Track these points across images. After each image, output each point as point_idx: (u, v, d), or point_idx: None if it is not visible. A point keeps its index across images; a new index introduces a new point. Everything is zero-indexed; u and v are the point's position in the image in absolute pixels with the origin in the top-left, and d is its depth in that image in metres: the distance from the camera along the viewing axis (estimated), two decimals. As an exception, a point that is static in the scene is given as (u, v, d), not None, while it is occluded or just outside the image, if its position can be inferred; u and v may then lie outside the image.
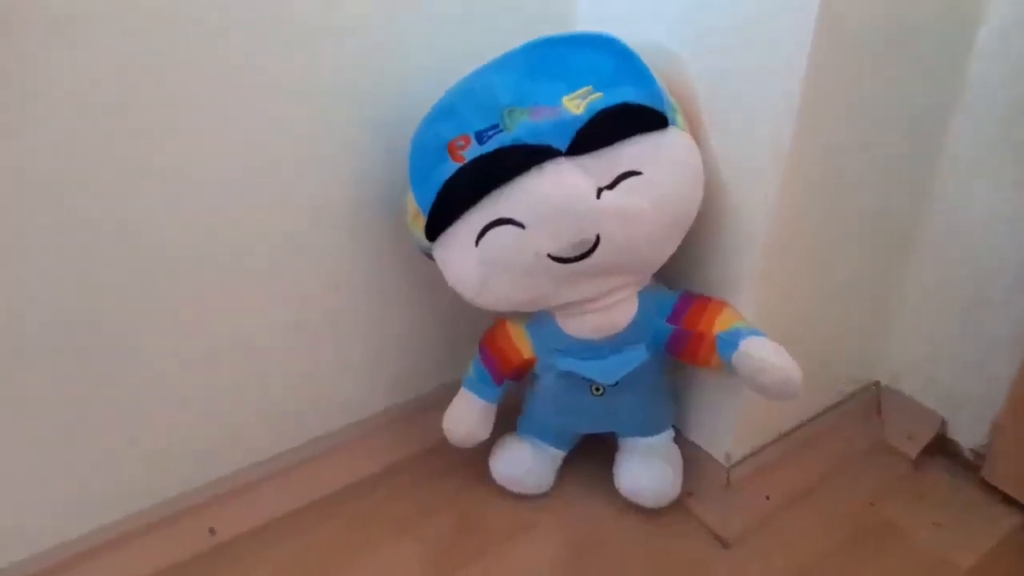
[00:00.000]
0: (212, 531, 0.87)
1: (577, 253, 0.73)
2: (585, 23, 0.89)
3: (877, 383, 1.05)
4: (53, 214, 0.67)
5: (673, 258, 0.78)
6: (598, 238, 0.72)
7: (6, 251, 0.66)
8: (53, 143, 0.64)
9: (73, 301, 0.71)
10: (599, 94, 0.72)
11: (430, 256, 0.79)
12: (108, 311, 0.73)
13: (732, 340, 0.77)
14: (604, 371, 0.82)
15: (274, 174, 0.78)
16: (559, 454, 0.93)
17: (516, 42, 0.78)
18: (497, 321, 0.88)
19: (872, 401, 1.04)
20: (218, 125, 0.72)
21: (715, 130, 0.77)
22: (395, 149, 0.80)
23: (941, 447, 1.00)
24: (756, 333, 0.77)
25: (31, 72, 0.61)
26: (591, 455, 0.96)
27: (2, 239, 0.66)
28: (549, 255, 0.73)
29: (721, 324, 0.79)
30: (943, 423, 0.99)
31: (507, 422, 0.93)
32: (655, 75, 0.73)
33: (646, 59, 0.74)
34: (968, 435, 0.97)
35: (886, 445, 1.01)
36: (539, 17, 0.87)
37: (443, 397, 0.92)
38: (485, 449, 0.94)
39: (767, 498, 0.92)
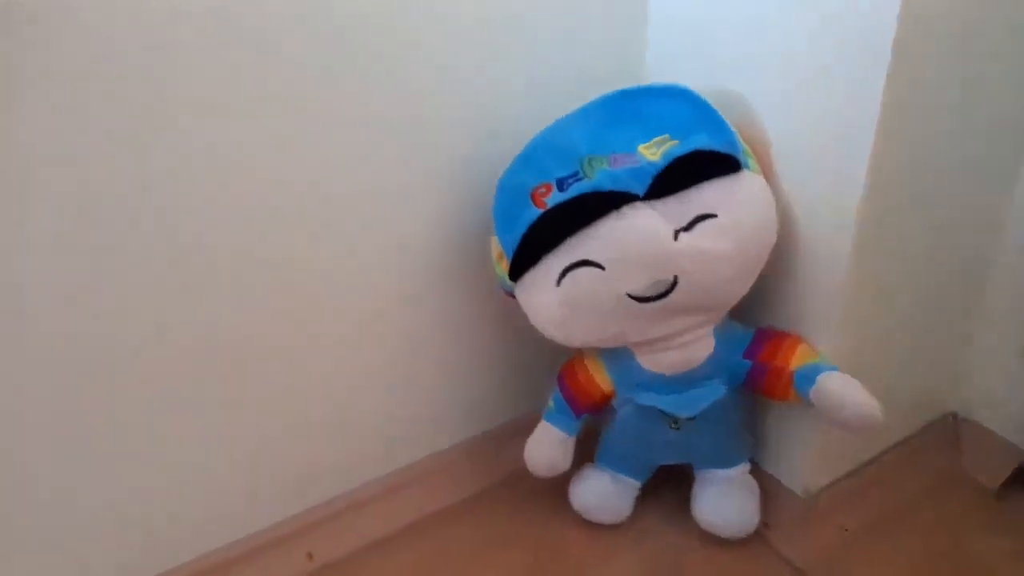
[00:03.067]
0: (310, 556, 0.92)
1: (655, 293, 0.76)
2: (654, 75, 0.93)
3: (954, 414, 1.04)
4: (174, 246, 0.73)
5: (748, 295, 0.81)
6: (676, 278, 0.76)
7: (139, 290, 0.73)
8: (166, 186, 0.71)
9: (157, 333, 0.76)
10: (674, 141, 0.76)
11: (512, 295, 0.84)
12: (200, 346, 0.79)
13: (809, 376, 0.79)
14: (682, 405, 0.84)
15: (360, 204, 0.82)
16: (636, 484, 0.96)
17: (591, 94, 0.83)
18: (575, 356, 0.91)
19: (950, 432, 1.04)
20: (309, 153, 0.77)
21: (787, 171, 0.80)
22: (479, 185, 0.86)
23: (1022, 479, 0.99)
24: (832, 369, 0.79)
25: (147, 127, 0.68)
26: (667, 484, 0.98)
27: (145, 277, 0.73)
28: (628, 295, 0.77)
29: (797, 360, 0.81)
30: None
31: (584, 450, 0.96)
32: (727, 121, 0.77)
33: (717, 105, 0.78)
34: (1050, 467, 0.96)
35: (965, 477, 1.01)
36: (613, 72, 0.91)
37: (523, 426, 0.96)
38: (562, 478, 0.97)
39: (845, 530, 0.93)
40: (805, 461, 0.91)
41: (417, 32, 0.78)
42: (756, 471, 0.94)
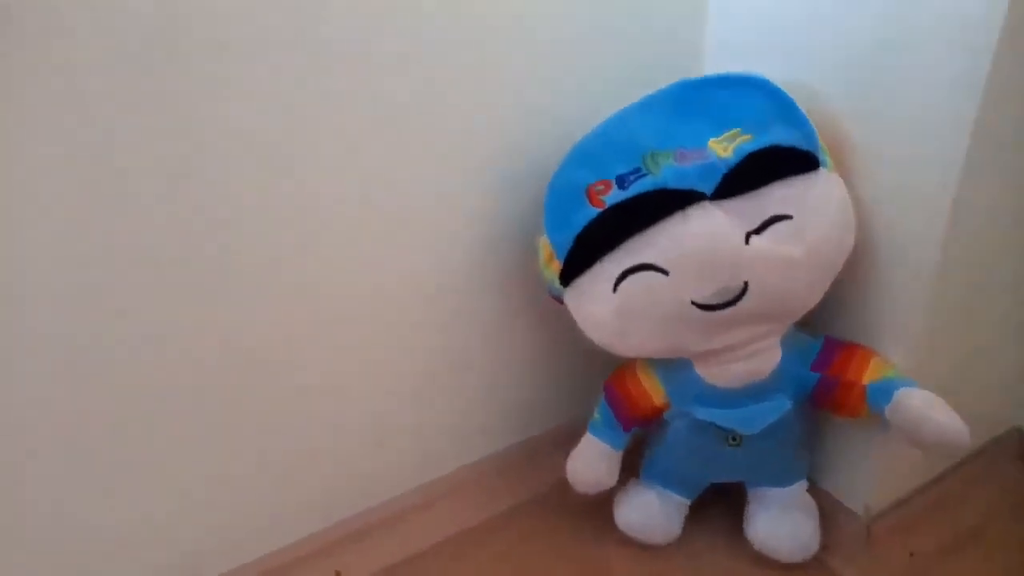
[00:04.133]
0: (338, 574, 0.86)
1: (723, 300, 0.71)
2: (714, 67, 0.87)
3: (1018, 429, 0.99)
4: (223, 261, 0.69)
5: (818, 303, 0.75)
6: (745, 285, 0.70)
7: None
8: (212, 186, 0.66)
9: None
10: (748, 136, 0.70)
11: (561, 300, 0.78)
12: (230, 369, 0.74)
13: (885, 391, 0.73)
14: (745, 421, 0.78)
15: (403, 209, 0.77)
16: (685, 502, 0.90)
17: (647, 87, 0.76)
18: (626, 365, 0.85)
19: (1015, 449, 0.98)
20: (347, 156, 0.72)
21: (867, 171, 0.73)
22: (526, 182, 0.80)
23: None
24: (910, 383, 0.73)
25: (198, 124, 0.63)
26: (716, 502, 0.92)
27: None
28: (693, 302, 0.71)
29: (872, 373, 0.75)
30: (1095, 474, 0.93)
31: (627, 462, 0.89)
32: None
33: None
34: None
35: (1034, 495, 0.95)
36: (670, 63, 0.85)
37: (561, 436, 0.90)
38: (605, 492, 0.90)
39: (911, 554, 0.87)
40: (865, 479, 0.86)
41: (466, 23, 0.72)
42: (813, 489, 0.88)
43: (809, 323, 0.79)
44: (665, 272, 0.70)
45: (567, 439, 0.89)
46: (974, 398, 0.90)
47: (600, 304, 0.73)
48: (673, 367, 0.80)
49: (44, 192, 0.59)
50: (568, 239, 0.73)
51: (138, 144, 0.61)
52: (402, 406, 0.88)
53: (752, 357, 0.76)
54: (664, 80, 0.77)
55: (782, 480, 0.86)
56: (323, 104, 0.68)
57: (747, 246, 0.69)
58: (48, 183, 0.59)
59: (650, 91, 0.77)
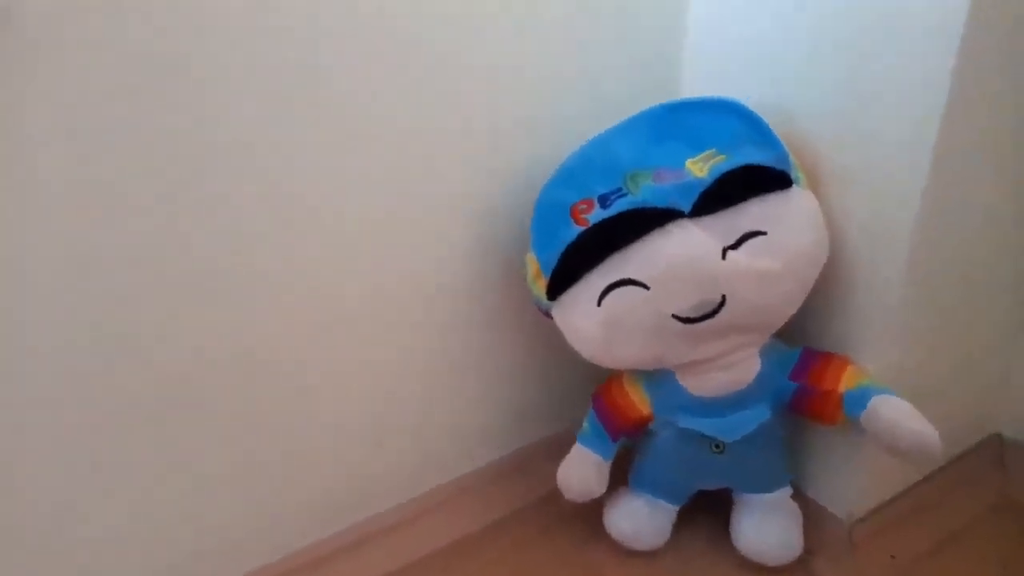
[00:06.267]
0: (334, 585, 0.89)
1: (702, 313, 0.74)
2: (690, 90, 0.90)
3: (999, 435, 1.01)
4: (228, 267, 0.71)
5: (794, 315, 0.78)
6: (723, 298, 0.73)
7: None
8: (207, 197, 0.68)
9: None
10: (722, 156, 0.73)
11: (548, 314, 0.81)
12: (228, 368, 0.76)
13: (860, 399, 0.76)
14: (726, 429, 0.81)
15: (403, 210, 0.79)
16: (673, 509, 0.92)
17: (627, 110, 0.80)
18: (612, 376, 0.88)
19: (995, 455, 1.00)
20: (348, 158, 0.74)
21: (838, 187, 0.76)
22: (516, 200, 0.84)
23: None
24: (886, 391, 0.76)
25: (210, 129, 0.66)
26: (703, 509, 0.94)
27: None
28: (674, 315, 0.74)
29: (847, 381, 0.78)
30: (1073, 479, 0.95)
31: (616, 471, 0.92)
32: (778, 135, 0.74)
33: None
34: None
35: (1013, 501, 0.97)
36: (649, 87, 0.89)
37: (553, 446, 0.92)
38: (595, 501, 0.93)
39: (892, 557, 0.89)
40: (848, 484, 0.88)
41: (454, 43, 0.75)
42: (797, 495, 0.91)
43: (788, 334, 0.82)
44: (646, 287, 0.73)
45: (561, 447, 0.91)
46: (955, 405, 0.93)
47: (585, 318, 0.76)
48: (657, 378, 0.83)
49: (44, 192, 0.61)
50: (554, 256, 0.76)
51: (138, 145, 0.63)
52: (402, 407, 0.90)
53: (732, 367, 0.79)
54: (644, 102, 0.81)
55: (765, 486, 0.88)
56: (323, 106, 0.71)
57: (724, 261, 0.72)
58: (48, 183, 0.61)
59: (637, 103, 0.81)
